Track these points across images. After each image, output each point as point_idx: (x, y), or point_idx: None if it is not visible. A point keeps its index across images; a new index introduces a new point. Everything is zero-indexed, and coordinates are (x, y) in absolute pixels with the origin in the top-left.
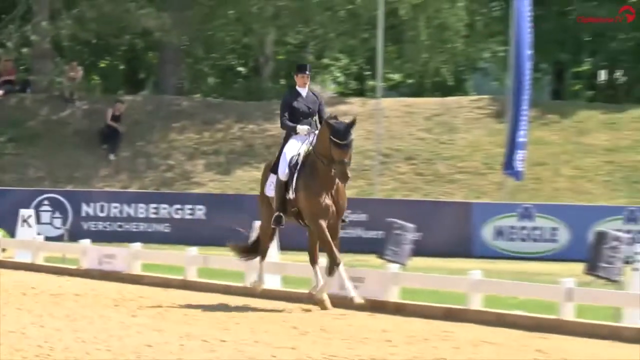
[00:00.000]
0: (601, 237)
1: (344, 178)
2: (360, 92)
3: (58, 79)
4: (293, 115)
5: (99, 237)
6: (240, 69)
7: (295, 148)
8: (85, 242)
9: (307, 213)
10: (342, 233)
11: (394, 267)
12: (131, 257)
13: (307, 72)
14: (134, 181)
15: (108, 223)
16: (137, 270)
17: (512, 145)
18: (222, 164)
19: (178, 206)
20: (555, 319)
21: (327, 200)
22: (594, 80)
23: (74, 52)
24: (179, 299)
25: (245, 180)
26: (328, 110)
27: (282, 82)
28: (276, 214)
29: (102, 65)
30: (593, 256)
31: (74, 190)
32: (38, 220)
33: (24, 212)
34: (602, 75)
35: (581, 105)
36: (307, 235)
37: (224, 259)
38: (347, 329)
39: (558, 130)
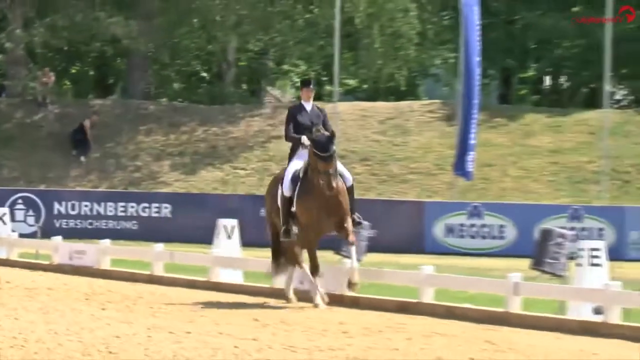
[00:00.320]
0: (546, 234)
1: (330, 188)
2: (318, 97)
3: (31, 84)
4: (297, 129)
5: (70, 234)
6: (204, 74)
7: (299, 164)
8: (57, 239)
9: (299, 222)
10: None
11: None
12: (101, 253)
13: (312, 87)
14: (104, 181)
15: (79, 221)
16: (106, 265)
17: (462, 147)
18: (187, 164)
19: (145, 205)
20: (503, 312)
21: (320, 212)
22: (539, 86)
23: (47, 59)
24: (146, 293)
25: (209, 180)
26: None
27: (244, 87)
28: (283, 227)
29: (73, 71)
30: (539, 252)
31: (47, 189)
32: (12, 218)
33: None
34: (547, 80)
35: (527, 109)
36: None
37: (189, 255)
38: (306, 321)
39: (505, 133)
